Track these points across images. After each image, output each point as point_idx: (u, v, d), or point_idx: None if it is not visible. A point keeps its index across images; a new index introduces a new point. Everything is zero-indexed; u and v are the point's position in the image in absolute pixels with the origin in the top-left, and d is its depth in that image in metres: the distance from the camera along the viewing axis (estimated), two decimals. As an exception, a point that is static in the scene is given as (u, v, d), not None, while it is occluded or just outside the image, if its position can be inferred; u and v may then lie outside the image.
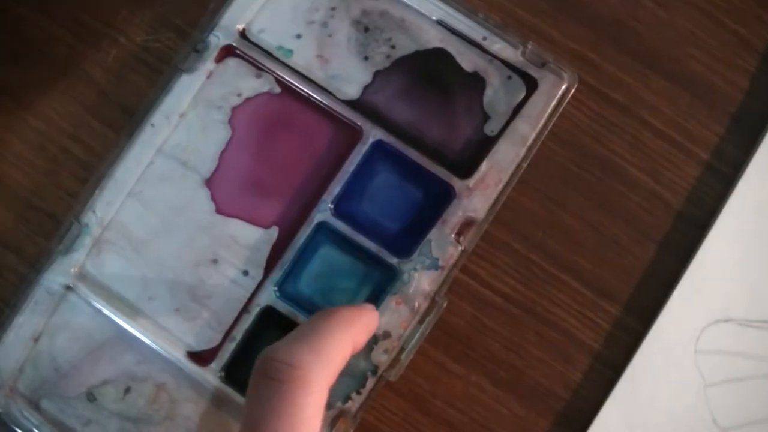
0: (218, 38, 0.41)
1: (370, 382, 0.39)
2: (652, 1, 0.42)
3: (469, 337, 0.41)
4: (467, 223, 0.40)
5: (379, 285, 0.40)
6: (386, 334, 0.39)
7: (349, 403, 0.39)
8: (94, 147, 0.42)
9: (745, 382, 0.40)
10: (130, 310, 0.40)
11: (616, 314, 0.41)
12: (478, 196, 0.40)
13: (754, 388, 0.40)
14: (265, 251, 0.40)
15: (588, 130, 0.41)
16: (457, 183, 0.40)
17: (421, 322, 0.39)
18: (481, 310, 0.41)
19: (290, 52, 0.41)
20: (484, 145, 0.40)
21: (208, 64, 0.41)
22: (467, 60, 0.41)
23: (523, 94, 0.41)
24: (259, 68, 0.41)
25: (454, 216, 0.40)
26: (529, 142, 0.40)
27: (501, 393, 0.40)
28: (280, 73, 0.41)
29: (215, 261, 0.40)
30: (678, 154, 0.41)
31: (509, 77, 0.41)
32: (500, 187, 0.40)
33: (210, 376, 0.40)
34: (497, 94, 0.41)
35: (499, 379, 0.40)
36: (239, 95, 0.41)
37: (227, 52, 0.41)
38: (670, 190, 0.41)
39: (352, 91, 0.41)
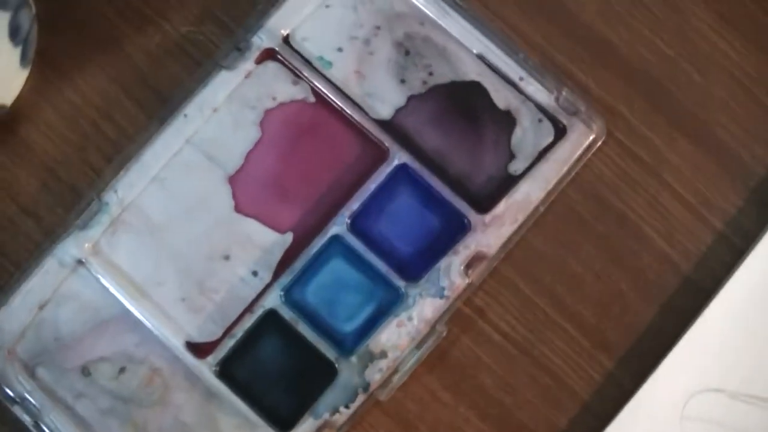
0: (261, 40, 0.42)
1: (360, 398, 0.40)
2: (691, 65, 0.43)
3: (463, 368, 0.41)
4: (478, 258, 0.40)
5: (383, 304, 0.41)
6: (383, 354, 0.40)
7: (336, 416, 0.40)
8: (125, 128, 0.43)
9: (726, 453, 0.41)
10: (138, 292, 0.41)
11: (610, 368, 0.41)
12: (492, 232, 0.41)
13: (735, 460, 0.41)
14: (278, 255, 0.41)
15: (609, 183, 0.42)
16: (473, 216, 0.41)
17: (418, 347, 0.40)
18: (479, 344, 0.41)
19: (330, 64, 0.42)
20: (506, 184, 0.41)
21: (248, 64, 0.42)
22: (501, 97, 0.42)
23: (551, 139, 0.41)
24: (297, 75, 0.42)
25: (467, 248, 0.40)
26: (551, 186, 0.41)
27: (486, 429, 0.41)
28: (316, 83, 0.42)
29: (227, 257, 0.41)
30: (694, 220, 0.42)
31: (540, 120, 0.41)
32: (515, 226, 0.41)
33: (205, 368, 0.40)
34: (526, 135, 0.41)
35: (486, 414, 0.41)
36: (274, 99, 0.42)
37: (268, 55, 0.42)
38: (682, 255, 0.42)
39: (385, 112, 0.42)
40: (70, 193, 0.42)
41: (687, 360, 0.41)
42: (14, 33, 0.40)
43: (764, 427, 0.41)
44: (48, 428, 0.40)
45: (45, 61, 0.43)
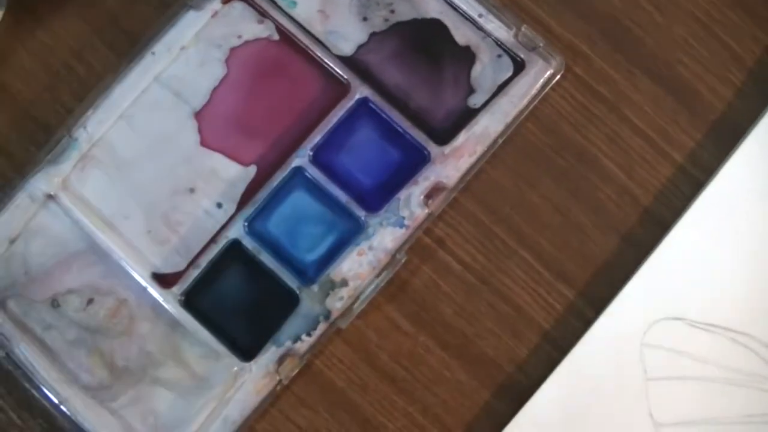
0: (228, -19, 0.43)
1: (322, 327, 0.41)
2: (652, 5, 0.43)
3: (424, 298, 0.42)
4: (437, 188, 0.41)
5: (344, 235, 0.41)
6: (344, 282, 0.41)
7: (299, 344, 0.41)
8: (96, 68, 0.44)
9: (686, 381, 0.41)
10: (105, 225, 0.42)
11: (570, 298, 0.41)
12: (451, 163, 0.41)
13: (694, 389, 0.41)
14: (241, 188, 0.42)
15: (569, 118, 0.42)
16: (433, 148, 0.41)
17: (378, 275, 0.41)
18: (439, 274, 0.42)
19: (294, 3, 0.43)
20: (465, 117, 0.42)
21: (215, 4, 0.43)
22: (461, 34, 0.42)
23: (510, 74, 0.42)
24: (263, 14, 0.43)
25: (426, 179, 0.41)
26: (509, 119, 0.41)
27: (447, 357, 0.41)
28: (281, 22, 0.43)
29: (192, 190, 0.42)
30: (653, 154, 0.42)
31: (499, 56, 0.42)
32: (474, 158, 0.41)
33: (170, 298, 0.41)
34: (485, 70, 0.42)
35: (446, 343, 0.41)
36: (239, 37, 0.43)
37: (235, -5, 0.43)
38: (641, 187, 0.42)
39: (347, 48, 0.42)
40: (42, 131, 0.43)
41: (646, 289, 0.41)
42: (-13, -28, 0.41)
43: (722, 353, 0.41)
44: (18, 359, 0.41)
45: (20, 5, 0.44)
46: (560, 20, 0.43)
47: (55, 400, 0.41)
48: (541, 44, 0.42)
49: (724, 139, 0.42)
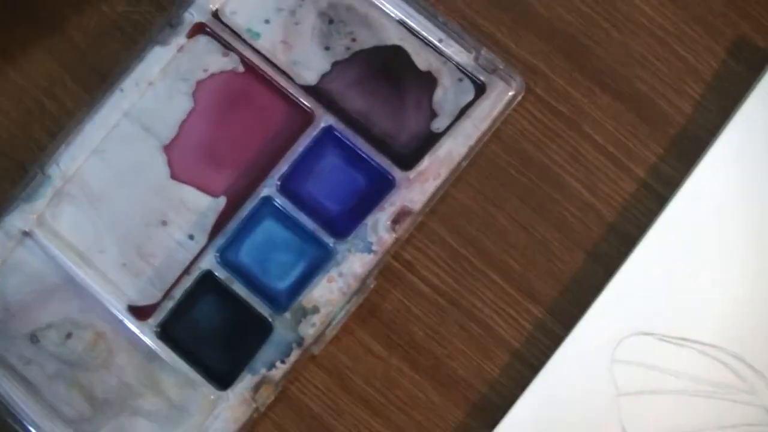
0: (192, 15, 0.44)
1: (295, 353, 0.41)
2: (608, 22, 0.44)
3: (394, 321, 0.42)
4: (404, 213, 0.42)
5: (314, 262, 0.42)
6: (315, 309, 0.41)
7: (273, 371, 0.41)
8: (67, 105, 0.44)
9: (658, 395, 0.41)
10: (81, 260, 0.43)
11: (539, 316, 0.42)
12: (417, 188, 0.42)
13: (666, 403, 0.41)
14: (212, 218, 0.43)
15: (531, 137, 0.43)
16: (398, 173, 0.42)
17: (349, 301, 0.41)
18: (408, 297, 0.42)
19: (258, 35, 0.44)
20: (429, 141, 0.42)
21: (181, 39, 0.44)
22: (422, 59, 0.43)
23: (471, 97, 0.43)
24: (227, 47, 0.44)
25: (392, 205, 0.42)
26: (472, 142, 0.42)
27: (419, 379, 0.42)
28: (245, 54, 0.43)
29: (164, 223, 0.43)
30: (615, 170, 0.43)
31: (460, 79, 0.43)
32: (439, 181, 0.42)
33: (147, 330, 0.42)
34: (447, 94, 0.43)
35: (418, 365, 0.42)
36: (205, 70, 0.44)
37: (199, 29, 0.44)
38: (605, 203, 0.43)
39: (310, 78, 0.43)
40: (15, 169, 0.44)
41: (615, 305, 0.42)
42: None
43: (692, 366, 0.41)
44: (-1, 395, 0.42)
45: (-11, 45, 0.45)
46: (519, 41, 0.44)
47: (37, 434, 0.42)
48: (501, 66, 0.42)
49: (686, 153, 0.43)
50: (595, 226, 0.43)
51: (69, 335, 0.42)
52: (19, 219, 0.43)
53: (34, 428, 0.41)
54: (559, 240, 0.43)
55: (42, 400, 0.42)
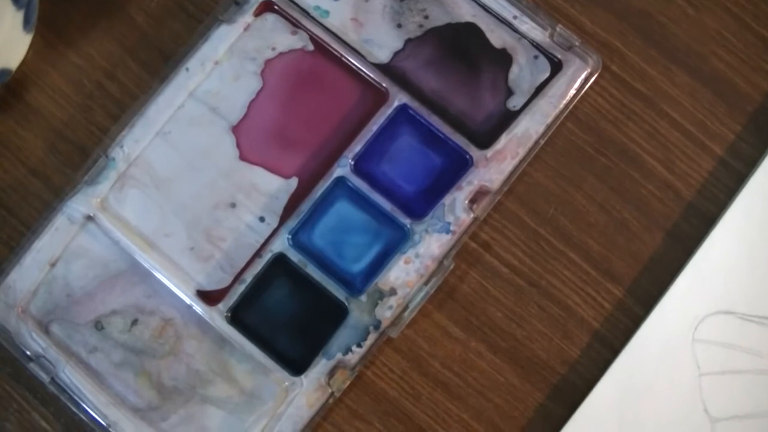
0: (259, -7, 0.43)
1: (372, 337, 0.40)
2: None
3: (473, 303, 0.41)
4: (481, 192, 0.41)
5: (390, 243, 0.41)
6: (392, 291, 0.40)
7: (349, 355, 0.40)
8: (129, 87, 0.43)
9: (740, 375, 0.41)
10: (146, 244, 0.41)
11: (619, 296, 0.41)
12: (494, 167, 0.41)
13: (748, 382, 0.41)
14: (283, 200, 0.41)
15: (608, 116, 0.42)
16: (475, 152, 0.41)
17: (427, 283, 0.40)
18: (487, 278, 0.41)
19: (327, 12, 0.43)
20: (505, 119, 0.41)
21: (247, 17, 0.43)
22: (496, 37, 0.42)
23: (547, 74, 0.42)
24: (296, 25, 0.43)
25: (470, 184, 0.41)
26: (549, 120, 0.41)
27: (498, 361, 0.41)
28: (314, 32, 0.42)
29: (233, 205, 0.42)
30: (694, 148, 0.42)
31: (536, 57, 0.42)
32: (516, 160, 0.41)
33: (216, 315, 0.41)
34: (523, 72, 0.42)
35: (498, 347, 0.41)
36: (273, 49, 0.43)
37: (266, 7, 0.43)
38: (683, 182, 0.42)
39: (383, 56, 0.42)
40: (77, 153, 0.43)
41: (695, 284, 0.41)
42: (17, -4, 0.41)
43: (776, 345, 0.41)
44: (64, 384, 0.41)
45: (48, 27, 0.44)
46: (593, 18, 0.43)
47: (104, 424, 0.40)
48: (577, 43, 0.41)
49: (764, 130, 0.42)
50: (673, 205, 0.42)
51: (135, 322, 0.41)
52: (83, 203, 0.42)
53: (101, 417, 0.40)
54: (637, 219, 0.42)
55: (108, 389, 0.41)
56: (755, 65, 0.43)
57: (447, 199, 0.41)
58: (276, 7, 0.43)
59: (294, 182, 0.42)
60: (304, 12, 0.43)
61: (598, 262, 0.42)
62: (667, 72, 0.43)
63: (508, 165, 0.41)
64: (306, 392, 0.40)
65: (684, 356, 0.41)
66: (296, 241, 0.41)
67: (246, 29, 0.43)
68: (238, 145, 0.42)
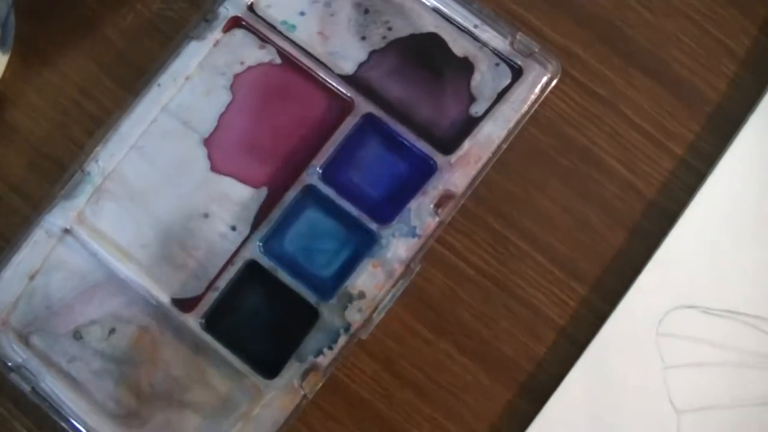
0: (227, 10, 0.44)
1: (343, 339, 0.41)
2: (641, 5, 0.44)
3: (441, 305, 0.42)
4: (446, 197, 0.42)
5: (358, 248, 0.42)
6: (361, 295, 0.41)
7: (321, 358, 0.41)
8: (105, 103, 0.45)
9: (704, 368, 0.42)
10: (123, 255, 0.42)
11: (584, 294, 0.42)
12: (458, 171, 0.42)
13: (713, 374, 0.41)
14: (254, 209, 0.43)
15: (570, 119, 0.43)
16: (439, 158, 0.42)
17: (395, 285, 0.41)
18: (454, 280, 0.42)
19: (294, 27, 0.44)
20: (468, 125, 0.43)
21: (216, 33, 0.44)
22: (459, 46, 0.43)
23: (508, 81, 0.43)
24: (263, 40, 0.44)
25: (435, 189, 0.42)
26: (511, 125, 0.42)
27: (468, 361, 0.42)
28: (282, 46, 0.44)
29: (206, 215, 0.43)
30: (654, 148, 0.43)
31: (497, 64, 0.43)
32: (480, 165, 0.42)
33: (192, 322, 0.42)
34: (484, 79, 0.43)
35: (466, 347, 0.42)
36: (242, 63, 0.44)
37: (235, 23, 0.44)
38: (644, 181, 0.43)
39: (348, 67, 0.44)
40: (55, 168, 0.44)
41: (658, 280, 0.42)
42: (-7, 17, 0.42)
43: (737, 338, 0.41)
44: (45, 393, 0.42)
45: (24, 46, 0.45)
46: (553, 25, 0.44)
47: (84, 431, 0.41)
48: (537, 50, 0.43)
49: (722, 129, 0.43)
50: (635, 204, 0.43)
51: (113, 331, 0.42)
52: (60, 217, 0.43)
53: (81, 425, 0.41)
54: (600, 219, 0.43)
55: (88, 396, 0.42)
56: (713, 68, 0.44)
57: (413, 204, 0.42)
58: (244, 22, 0.44)
59: (264, 191, 0.43)
60: (272, 27, 0.44)
61: (562, 261, 0.43)
62: (627, 75, 0.44)
63: (471, 169, 0.42)
64: (279, 395, 0.41)
65: (648, 350, 0.42)
66: (267, 248, 0.42)
67: (215, 45, 0.44)
68: (210, 157, 0.43)
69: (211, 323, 0.42)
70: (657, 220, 0.43)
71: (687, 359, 0.41)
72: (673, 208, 0.43)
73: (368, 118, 0.43)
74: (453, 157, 0.42)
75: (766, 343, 0.42)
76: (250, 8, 0.44)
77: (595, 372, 0.41)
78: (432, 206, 0.42)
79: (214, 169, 0.43)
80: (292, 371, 0.41)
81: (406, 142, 0.42)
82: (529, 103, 0.43)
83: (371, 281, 0.41)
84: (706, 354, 0.41)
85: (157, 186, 0.43)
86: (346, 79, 0.43)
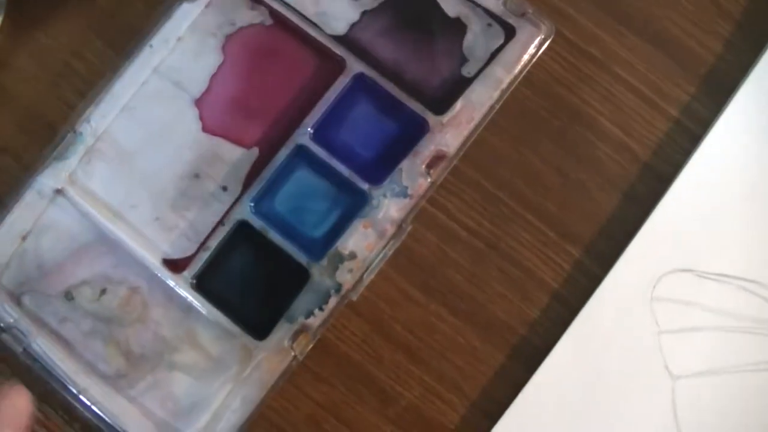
0: (219, -29, 0.44)
1: (333, 300, 0.41)
2: (634, -34, 0.44)
3: (432, 267, 0.42)
4: (438, 157, 0.42)
5: (349, 209, 0.42)
6: (352, 255, 0.41)
7: (311, 319, 0.41)
8: (96, 64, 0.45)
9: (699, 332, 0.41)
10: (114, 216, 0.42)
11: (577, 256, 0.42)
12: (450, 132, 0.42)
13: (708, 339, 0.41)
14: (245, 169, 0.42)
15: (562, 80, 0.43)
16: (431, 118, 0.42)
17: (386, 246, 0.41)
18: (446, 242, 0.42)
19: (285, -13, 0.44)
20: (460, 85, 0.42)
21: (208, -5, 0.44)
22: (451, 6, 0.43)
23: (501, 41, 0.43)
24: (255, 1, 0.44)
25: (426, 149, 0.42)
26: (503, 85, 0.42)
27: (459, 323, 0.42)
28: (273, 6, 0.43)
29: (197, 176, 0.43)
30: (648, 110, 0.43)
31: (489, 24, 0.43)
32: (472, 125, 0.42)
33: (182, 283, 0.42)
34: (477, 40, 0.43)
35: (458, 309, 0.42)
36: (233, 24, 0.44)
37: (226, -17, 0.44)
38: (639, 143, 0.43)
39: (340, 27, 0.43)
40: (46, 129, 0.44)
41: (652, 244, 0.41)
42: (-16, -23, 0.42)
43: (732, 302, 0.41)
44: (36, 353, 0.42)
45: (16, 8, 0.45)
46: (546, -14, 0.44)
47: (74, 391, 0.41)
48: (530, 10, 0.42)
49: (717, 91, 0.43)
50: (630, 166, 0.42)
51: (103, 291, 0.42)
52: (52, 178, 0.43)
53: (71, 385, 0.41)
54: (594, 181, 0.42)
55: (78, 357, 0.42)
56: (708, 28, 0.43)
57: (404, 165, 0.42)
58: (236, -17, 0.44)
59: (255, 152, 0.43)
60: (263, -13, 0.44)
61: (555, 223, 0.42)
62: (620, 36, 0.43)
63: (464, 129, 0.42)
64: (269, 356, 0.41)
65: (643, 314, 0.41)
66: (258, 209, 0.42)
67: (207, 6, 0.44)
68: (201, 118, 0.43)
69: (201, 283, 0.42)
70: (651, 182, 0.42)
71: (682, 324, 0.41)
72: (668, 170, 0.42)
73: (360, 78, 0.42)
74: (445, 118, 0.42)
75: (762, 307, 0.41)
76: (242, -31, 0.44)
77: (588, 336, 0.41)
78: (423, 167, 0.41)
79: (205, 129, 0.43)
80: (282, 332, 0.41)
81: (397, 103, 0.42)
82: (521, 64, 0.42)
83: (362, 242, 0.41)
84: (701, 318, 0.41)
85: (148, 147, 0.43)
86: (338, 39, 0.43)
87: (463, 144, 0.42)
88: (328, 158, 0.42)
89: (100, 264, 0.42)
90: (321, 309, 0.41)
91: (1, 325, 0.42)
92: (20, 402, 0.35)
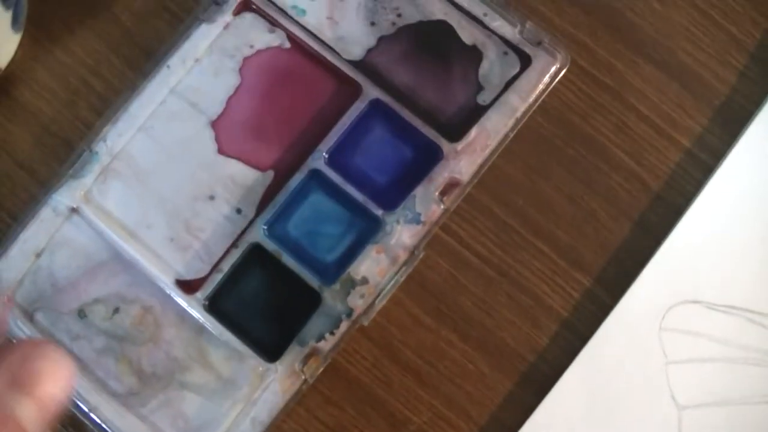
0: (238, -7, 0.44)
1: (344, 324, 0.41)
2: (651, -5, 0.44)
3: (443, 293, 0.42)
4: (452, 184, 0.42)
5: (362, 234, 0.42)
6: (364, 280, 0.41)
7: (322, 343, 0.41)
8: (113, 83, 0.45)
9: (706, 363, 0.41)
10: (128, 235, 0.43)
11: (587, 285, 0.42)
12: (464, 159, 0.42)
13: (715, 370, 0.41)
14: (260, 192, 0.43)
15: (576, 109, 0.43)
16: (446, 145, 0.42)
17: (398, 272, 0.41)
18: (457, 268, 0.42)
19: (304, 11, 0.44)
20: (476, 113, 0.43)
21: (226, 16, 0.44)
22: (467, 33, 0.43)
23: (516, 69, 0.43)
24: (273, 24, 0.44)
25: (440, 176, 0.42)
26: (518, 114, 0.42)
27: (469, 350, 0.42)
28: (292, 30, 0.44)
29: (212, 197, 0.43)
30: (661, 140, 0.43)
31: (505, 53, 0.43)
32: (486, 152, 0.42)
33: (195, 304, 0.42)
34: (493, 67, 0.43)
35: (468, 336, 0.42)
36: (251, 47, 0.44)
37: (245, 6, 0.44)
38: (651, 173, 0.43)
39: (357, 53, 0.44)
40: (63, 146, 0.44)
41: (662, 274, 0.42)
42: (5, -4, 0.42)
43: (741, 334, 0.41)
44: (47, 370, 0.42)
45: (36, 26, 0.45)
46: (562, 15, 0.44)
47: (85, 409, 0.41)
48: (546, 39, 0.43)
49: (730, 123, 0.43)
50: (641, 196, 0.43)
51: (116, 310, 0.43)
52: (67, 196, 0.43)
53: (82, 402, 0.41)
54: (606, 210, 0.43)
55: (90, 375, 0.42)
56: (722, 59, 0.44)
57: (418, 191, 0.42)
58: (254, 6, 0.44)
59: (270, 175, 0.43)
60: (282, 11, 0.44)
61: (566, 252, 0.42)
62: (635, 66, 0.44)
63: (478, 157, 0.42)
64: (280, 378, 0.41)
65: (651, 344, 0.42)
66: (272, 232, 0.42)
67: (225, 28, 0.44)
68: (217, 140, 0.43)
69: (213, 305, 0.42)
70: (663, 212, 0.42)
71: (690, 355, 0.41)
72: (680, 201, 0.42)
73: (375, 103, 0.43)
74: (459, 145, 0.42)
75: (770, 338, 0.42)
76: (261, -9, 0.44)
77: (597, 365, 0.41)
78: (437, 193, 0.42)
79: (220, 151, 0.43)
80: (293, 355, 0.41)
81: (412, 129, 0.42)
82: (537, 92, 0.42)
83: (374, 267, 0.42)
84: (709, 350, 0.41)
85: (164, 167, 0.43)
86: (355, 65, 0.43)
87: (477, 171, 0.42)
88: (343, 183, 0.42)
89: (113, 283, 0.43)
90: (332, 333, 0.41)
91: (14, 341, 0.42)
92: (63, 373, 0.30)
